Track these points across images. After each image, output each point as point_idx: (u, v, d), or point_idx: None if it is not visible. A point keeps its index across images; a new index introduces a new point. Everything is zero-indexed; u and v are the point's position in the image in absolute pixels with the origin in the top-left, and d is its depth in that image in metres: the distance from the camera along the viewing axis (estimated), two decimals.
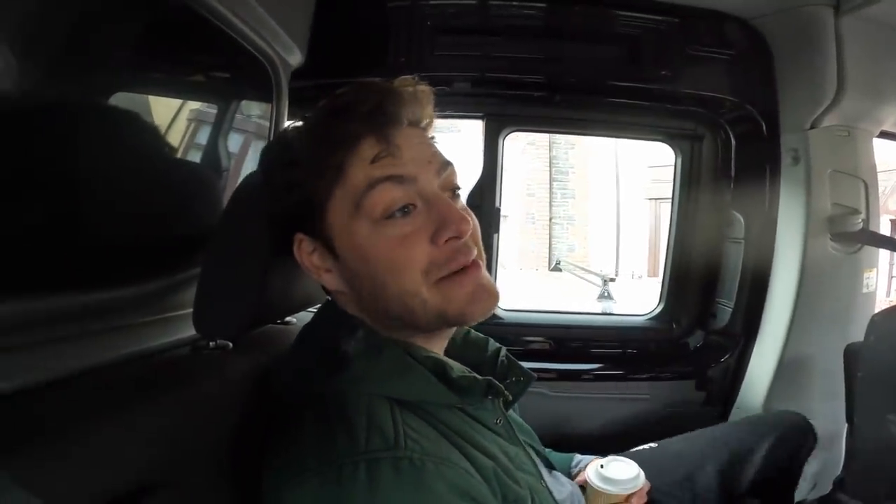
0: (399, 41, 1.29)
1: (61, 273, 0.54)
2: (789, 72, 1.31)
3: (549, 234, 7.29)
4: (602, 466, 0.83)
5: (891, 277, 7.35)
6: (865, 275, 1.30)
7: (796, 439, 1.08)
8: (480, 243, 0.56)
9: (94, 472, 0.41)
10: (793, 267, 1.30)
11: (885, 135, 1.41)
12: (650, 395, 1.46)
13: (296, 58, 1.07)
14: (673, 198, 1.53)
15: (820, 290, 1.29)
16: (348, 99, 0.53)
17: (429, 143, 0.56)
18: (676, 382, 1.48)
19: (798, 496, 1.21)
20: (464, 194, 0.58)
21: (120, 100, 0.67)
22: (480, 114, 1.47)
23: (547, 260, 7.38)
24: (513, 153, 7.16)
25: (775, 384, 1.36)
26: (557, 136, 6.89)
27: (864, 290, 1.30)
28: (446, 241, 0.51)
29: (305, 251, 0.55)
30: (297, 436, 0.47)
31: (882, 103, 1.32)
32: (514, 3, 1.30)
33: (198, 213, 0.81)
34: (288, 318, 0.84)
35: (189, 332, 0.65)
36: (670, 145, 1.53)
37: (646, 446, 1.13)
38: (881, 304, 1.34)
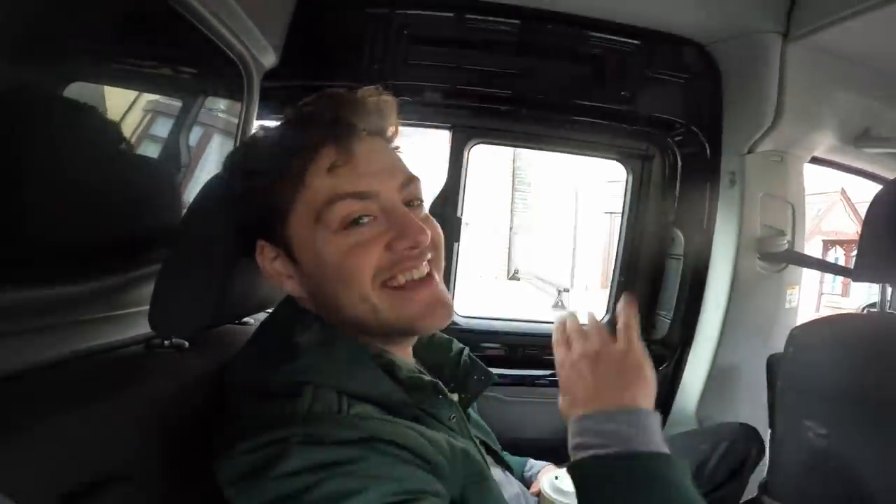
0: (374, 48, 1.29)
1: (15, 267, 0.53)
2: (735, 96, 1.40)
3: (509, 243, 7.42)
4: (557, 478, 0.87)
5: (820, 294, 7.94)
6: (789, 291, 1.41)
7: (745, 449, 1.18)
8: (441, 251, 0.58)
9: (47, 466, 0.42)
10: (724, 283, 1.39)
11: (815, 160, 1.51)
12: None
13: (270, 58, 1.07)
14: (623, 214, 1.61)
15: (747, 305, 1.38)
16: (310, 109, 0.55)
17: (391, 154, 0.58)
18: None
19: None
20: (431, 202, 0.61)
21: (82, 93, 0.66)
22: (448, 125, 1.50)
23: (506, 269, 7.50)
24: (478, 162, 7.23)
25: (706, 392, 1.45)
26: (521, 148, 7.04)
27: (787, 306, 1.41)
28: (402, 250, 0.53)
29: (268, 258, 0.56)
30: (237, 421, 0.48)
31: (815, 130, 1.40)
32: (490, 17, 1.32)
33: (157, 210, 0.81)
34: (245, 319, 0.84)
35: (144, 329, 0.64)
36: (622, 163, 1.61)
37: None
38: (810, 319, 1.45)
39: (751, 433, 1.17)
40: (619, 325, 0.58)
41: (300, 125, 0.55)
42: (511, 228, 7.42)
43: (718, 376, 1.44)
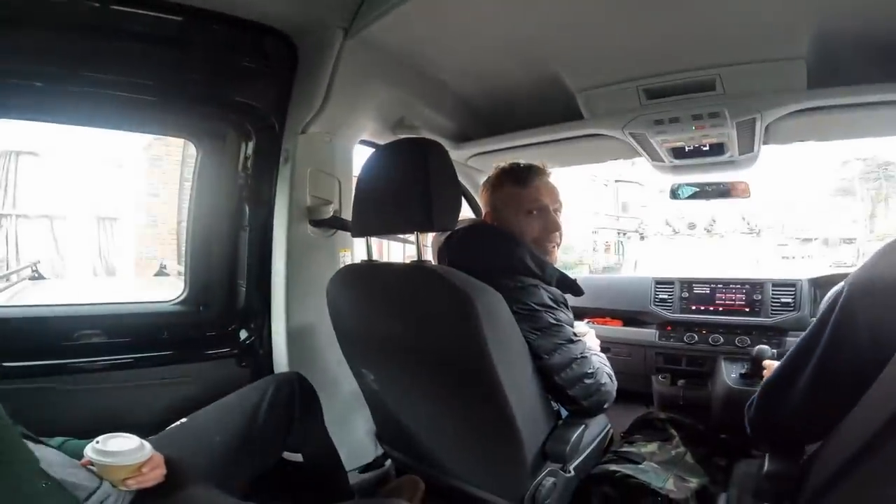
0: None
1: None
2: (301, 83, 1.52)
3: (178, 238, 6.66)
4: (98, 442, 0.92)
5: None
6: (341, 253, 1.63)
7: (291, 392, 1.29)
8: None
9: None
10: (283, 249, 1.53)
11: (368, 143, 1.80)
12: (194, 378, 1.47)
13: None
14: (193, 190, 1.59)
15: (305, 268, 1.55)
16: None
17: None
18: (217, 362, 1.55)
19: None
20: None
21: None
22: None
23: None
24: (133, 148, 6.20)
25: (292, 352, 1.55)
26: None
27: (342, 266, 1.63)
28: None
29: None
30: None
31: (360, 117, 1.64)
32: None
33: None
34: None
35: None
36: (194, 143, 1.59)
37: (178, 423, 1.21)
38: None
39: (294, 377, 1.31)
40: None
41: None
42: (179, 222, 6.68)
43: (297, 336, 1.56)
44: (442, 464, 1.27)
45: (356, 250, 1.68)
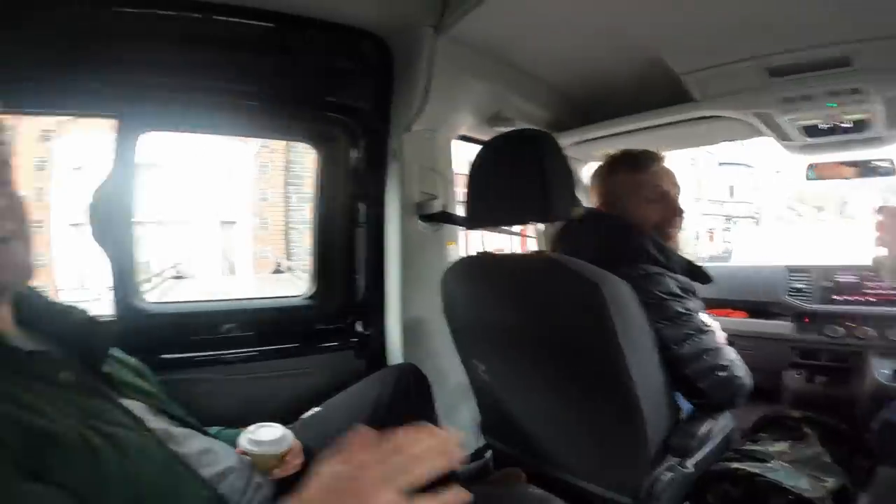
0: None
1: None
2: (400, 82, 1.58)
3: (286, 238, 7.19)
4: (251, 432, 0.94)
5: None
6: (449, 247, 1.67)
7: (408, 383, 1.34)
8: (22, 220, 0.62)
9: None
10: (396, 244, 1.59)
11: (463, 138, 1.83)
12: (315, 370, 1.55)
13: None
14: (315, 192, 1.70)
15: (417, 262, 1.60)
16: None
17: None
18: (337, 354, 1.63)
19: None
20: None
21: None
22: (115, 113, 1.35)
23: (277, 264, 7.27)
24: (244, 156, 6.83)
25: (406, 346, 1.61)
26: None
27: (451, 259, 1.65)
28: None
29: None
30: None
31: (457, 112, 1.66)
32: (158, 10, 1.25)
33: None
34: None
35: None
36: (312, 145, 1.70)
37: (312, 411, 1.28)
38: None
39: (411, 368, 1.35)
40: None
41: None
42: (287, 224, 7.22)
43: (411, 330, 1.62)
44: (550, 455, 1.26)
45: (460, 244, 1.72)
